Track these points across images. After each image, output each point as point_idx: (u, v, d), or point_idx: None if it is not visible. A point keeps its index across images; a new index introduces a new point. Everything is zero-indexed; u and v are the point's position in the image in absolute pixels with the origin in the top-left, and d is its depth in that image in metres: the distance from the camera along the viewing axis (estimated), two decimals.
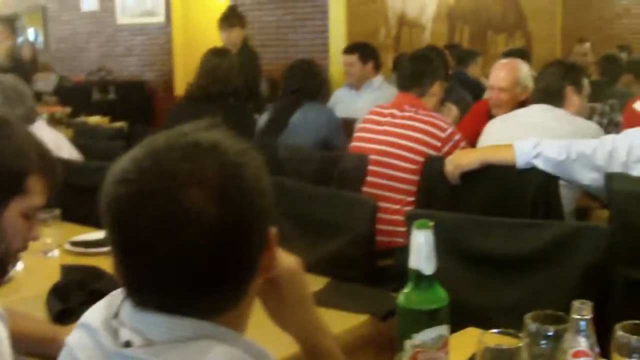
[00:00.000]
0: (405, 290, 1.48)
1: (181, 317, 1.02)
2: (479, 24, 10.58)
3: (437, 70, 3.72)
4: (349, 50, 5.99)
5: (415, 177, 3.35)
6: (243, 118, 4.39)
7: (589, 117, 4.80)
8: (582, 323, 1.36)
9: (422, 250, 1.46)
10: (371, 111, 3.75)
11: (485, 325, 1.55)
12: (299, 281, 1.27)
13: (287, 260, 1.25)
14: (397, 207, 3.38)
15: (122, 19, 10.10)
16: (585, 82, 3.56)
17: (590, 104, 4.87)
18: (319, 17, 8.15)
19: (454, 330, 1.73)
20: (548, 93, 3.44)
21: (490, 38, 10.84)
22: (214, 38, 6.43)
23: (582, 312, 1.35)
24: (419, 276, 1.46)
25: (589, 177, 2.85)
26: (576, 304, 1.36)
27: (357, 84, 5.76)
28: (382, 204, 3.30)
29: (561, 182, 2.94)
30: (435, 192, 3.13)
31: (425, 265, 1.46)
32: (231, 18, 6.18)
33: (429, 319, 1.47)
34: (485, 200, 2.98)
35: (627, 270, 2.62)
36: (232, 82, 4.30)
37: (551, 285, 2.15)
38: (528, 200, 2.92)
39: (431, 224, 1.46)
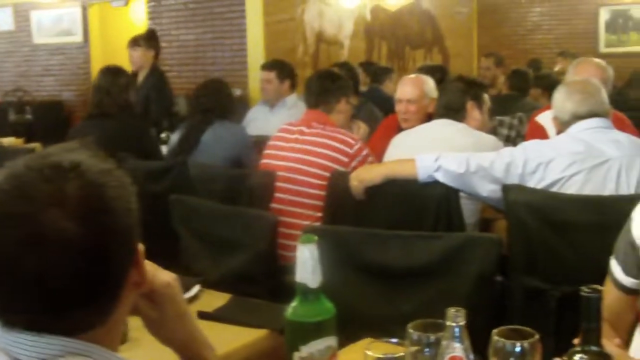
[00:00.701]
0: (293, 303, 1.52)
1: (48, 336, 1.03)
2: (397, 40, 10.76)
3: (343, 88, 3.78)
4: (267, 66, 6.02)
5: (324, 193, 3.39)
6: (141, 134, 4.40)
7: (497, 130, 4.94)
8: (457, 329, 1.40)
9: (307, 264, 1.49)
10: (280, 129, 3.79)
11: (383, 335, 1.58)
12: (175, 295, 1.30)
13: (162, 275, 1.28)
14: (306, 222, 3.41)
15: (38, 38, 9.96)
16: (486, 97, 3.67)
17: (499, 118, 5.02)
18: (237, 36, 8.19)
19: (353, 341, 1.77)
20: (450, 108, 3.54)
21: (408, 54, 11.03)
22: None
23: (456, 319, 1.40)
24: (305, 289, 1.50)
25: (488, 189, 2.94)
26: (451, 311, 1.40)
27: (272, 101, 5.81)
28: (291, 220, 3.35)
29: (462, 195, 3.02)
30: (342, 207, 3.18)
31: (311, 278, 1.50)
32: (137, 39, 6.23)
33: (316, 330, 1.50)
34: (390, 214, 3.04)
35: (525, 278, 2.72)
36: (125, 99, 4.31)
37: (446, 294, 2.21)
38: (430, 212, 2.99)
39: (315, 238, 1.50)
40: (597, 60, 4.04)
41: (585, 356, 1.29)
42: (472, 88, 3.61)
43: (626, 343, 1.96)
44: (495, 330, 1.41)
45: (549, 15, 11.83)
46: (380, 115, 5.20)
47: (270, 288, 2.53)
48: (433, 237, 2.34)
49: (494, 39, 11.75)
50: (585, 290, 1.29)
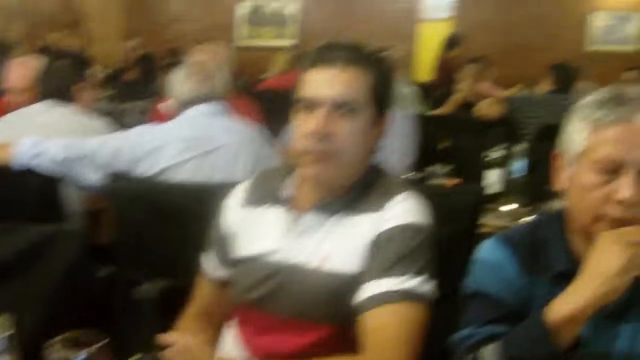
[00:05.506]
0: None
1: None
2: (34, 20, 10.26)
3: None
4: None
5: None
6: None
7: (127, 116, 4.82)
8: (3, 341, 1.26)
9: None
10: None
11: None
12: None
13: None
14: None
15: None
16: (90, 72, 3.51)
17: (122, 106, 4.91)
18: None
19: None
20: (57, 90, 3.31)
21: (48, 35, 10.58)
22: None
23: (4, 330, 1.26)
24: None
25: (93, 177, 2.78)
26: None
27: None
28: None
29: (68, 182, 2.83)
30: None
31: None
32: None
33: None
34: None
35: (130, 271, 2.60)
36: None
37: (27, 294, 2.00)
38: (31, 202, 2.76)
39: None
40: (214, 45, 4.10)
41: None
42: (80, 66, 3.42)
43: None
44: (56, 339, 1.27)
45: (190, 6, 12.00)
46: None
47: None
48: (16, 230, 2.10)
49: (136, 25, 11.67)
50: None
